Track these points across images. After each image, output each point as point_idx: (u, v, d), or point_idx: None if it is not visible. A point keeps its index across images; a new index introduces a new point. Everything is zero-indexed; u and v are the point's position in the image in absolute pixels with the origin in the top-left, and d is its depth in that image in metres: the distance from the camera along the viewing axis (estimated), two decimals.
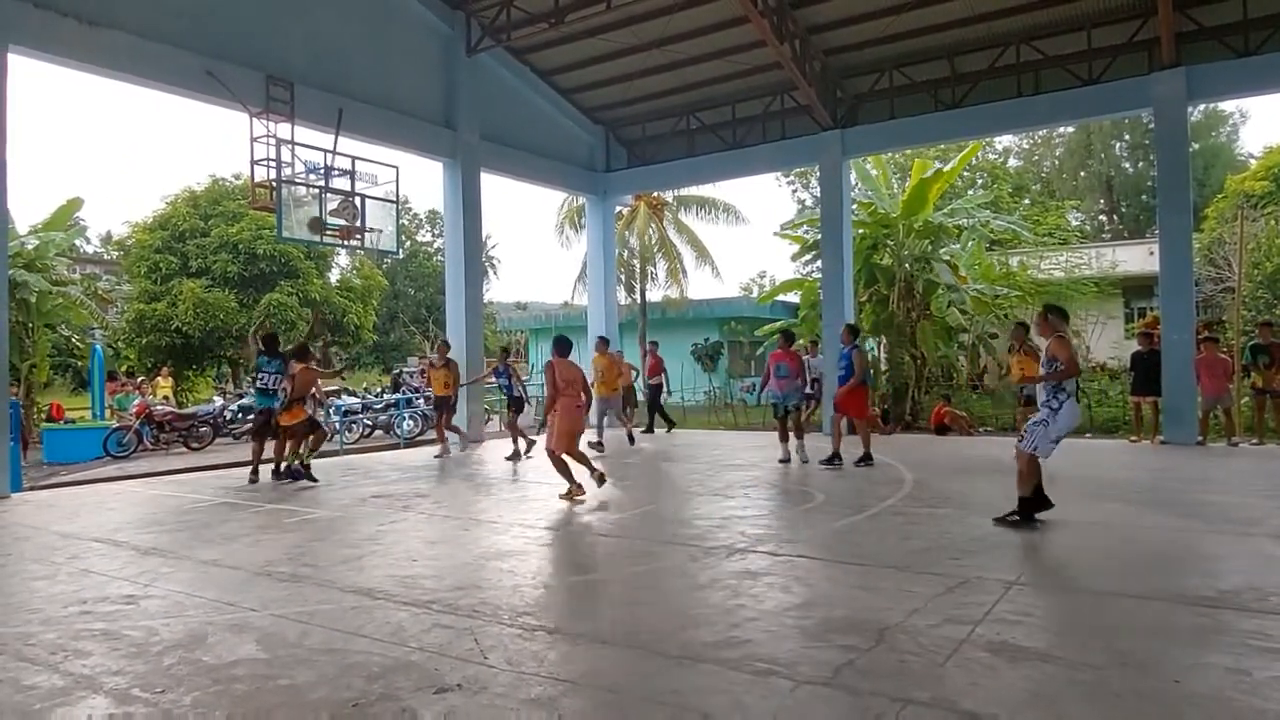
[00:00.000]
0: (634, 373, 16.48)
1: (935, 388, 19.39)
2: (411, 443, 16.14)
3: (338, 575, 5.56)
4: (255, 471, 10.19)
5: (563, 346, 8.52)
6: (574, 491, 8.29)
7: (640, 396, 16.79)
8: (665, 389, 17.22)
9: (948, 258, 19.93)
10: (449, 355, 13.11)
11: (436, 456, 12.69)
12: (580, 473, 8.41)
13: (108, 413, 17.20)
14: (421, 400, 17.96)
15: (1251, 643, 3.89)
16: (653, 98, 17.29)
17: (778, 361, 10.77)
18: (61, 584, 5.40)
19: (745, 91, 16.55)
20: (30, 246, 21.11)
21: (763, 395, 11.39)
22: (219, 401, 18.76)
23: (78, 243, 34.05)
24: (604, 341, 14.26)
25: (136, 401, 17.06)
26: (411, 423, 17.60)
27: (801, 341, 19.77)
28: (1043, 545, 6.03)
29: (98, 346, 19.11)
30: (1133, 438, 13.03)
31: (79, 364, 26.27)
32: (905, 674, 3.60)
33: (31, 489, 10.44)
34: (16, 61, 9.65)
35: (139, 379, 21.39)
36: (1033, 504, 6.58)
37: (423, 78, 14.69)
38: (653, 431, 16.22)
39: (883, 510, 7.57)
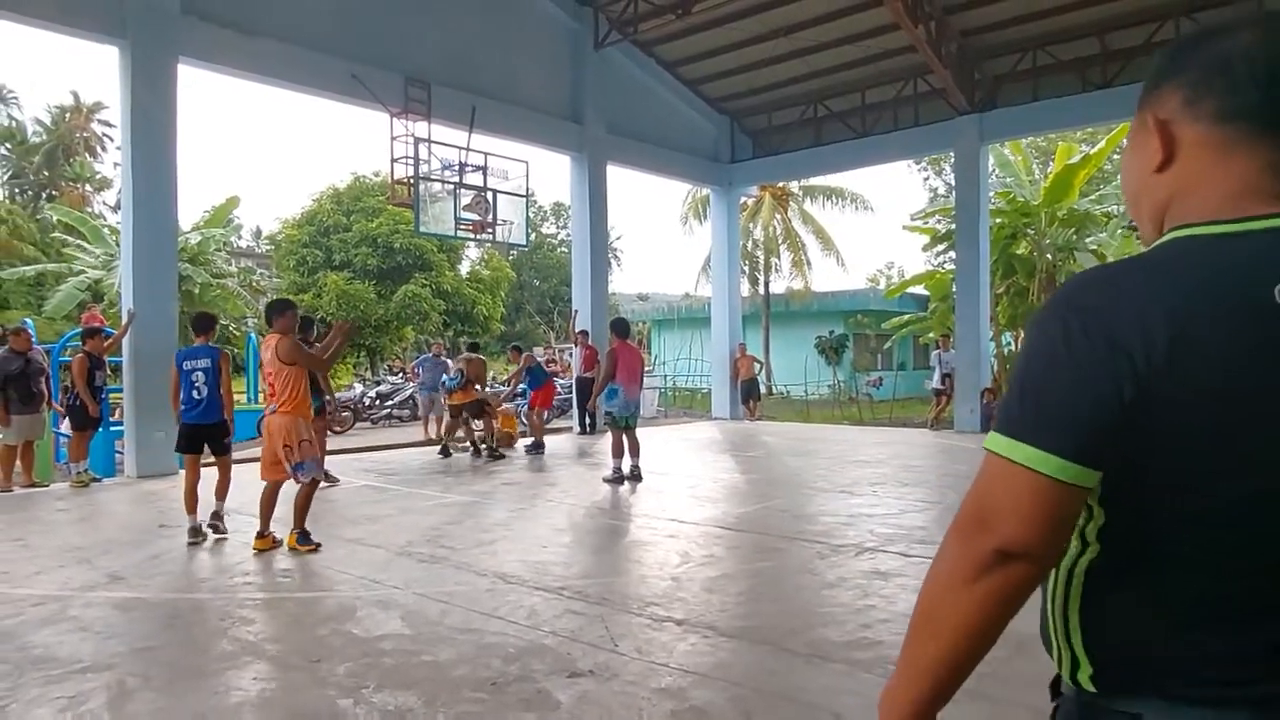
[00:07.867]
0: (757, 365, 16.76)
1: None
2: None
3: (473, 558, 5.78)
4: None
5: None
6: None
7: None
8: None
9: (1094, 247, 18.79)
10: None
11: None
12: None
13: (260, 397, 18.42)
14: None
15: None
16: (779, 86, 17.03)
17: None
18: (226, 555, 5.83)
19: (875, 77, 16.06)
20: (194, 242, 22.89)
21: None
22: (359, 388, 19.77)
23: (233, 238, 36.63)
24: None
25: None
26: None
27: (932, 335, 19.25)
28: None
29: (252, 335, 20.48)
30: None
31: (235, 351, 28.17)
32: (1047, 685, 3.44)
33: None
34: (183, 71, 10.41)
35: None
36: None
37: (551, 74, 14.99)
38: (590, 433, 14.21)
39: None
